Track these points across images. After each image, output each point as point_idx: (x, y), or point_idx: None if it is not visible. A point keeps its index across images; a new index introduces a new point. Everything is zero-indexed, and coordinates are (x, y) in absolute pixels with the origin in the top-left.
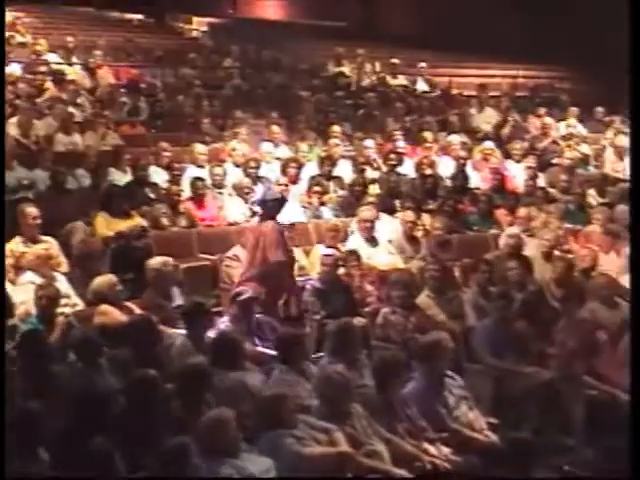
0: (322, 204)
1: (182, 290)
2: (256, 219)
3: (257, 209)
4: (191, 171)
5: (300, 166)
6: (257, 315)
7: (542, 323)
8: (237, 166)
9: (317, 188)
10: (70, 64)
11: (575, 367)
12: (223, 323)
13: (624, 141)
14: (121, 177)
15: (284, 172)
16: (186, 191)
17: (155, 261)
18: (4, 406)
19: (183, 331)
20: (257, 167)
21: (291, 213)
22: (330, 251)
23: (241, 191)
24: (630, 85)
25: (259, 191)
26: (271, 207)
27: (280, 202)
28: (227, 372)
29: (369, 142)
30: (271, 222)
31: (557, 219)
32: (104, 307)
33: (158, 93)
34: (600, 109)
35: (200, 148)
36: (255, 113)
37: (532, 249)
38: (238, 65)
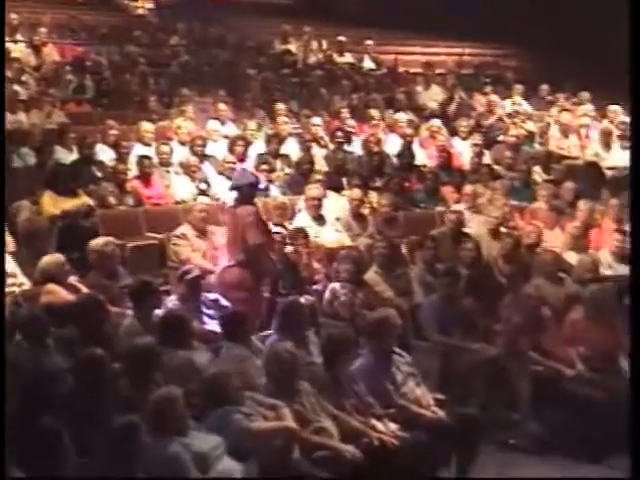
0: (269, 182)
1: (129, 269)
2: (231, 202)
3: (233, 194)
4: (138, 149)
5: (247, 144)
6: (205, 293)
7: (488, 299)
8: (183, 144)
9: (264, 166)
10: (14, 42)
11: (520, 343)
12: (171, 302)
13: (568, 118)
14: (67, 155)
15: (231, 150)
16: (133, 169)
17: (97, 242)
18: (4, 407)
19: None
20: (204, 145)
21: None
22: (277, 229)
23: (188, 169)
24: (630, 84)
25: (234, 176)
26: (246, 191)
27: (255, 185)
28: (175, 351)
29: (316, 120)
30: (249, 206)
31: (503, 196)
32: (51, 286)
33: (104, 71)
34: (545, 87)
35: (146, 126)
36: (201, 91)
37: (479, 226)
38: (184, 43)
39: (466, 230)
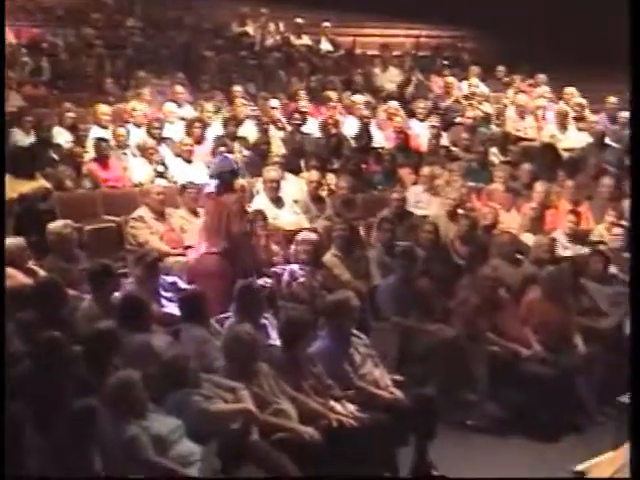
0: None
1: (87, 252)
2: (211, 189)
3: (214, 181)
4: (95, 132)
5: (205, 126)
6: (163, 276)
7: (446, 281)
8: (138, 126)
9: (222, 148)
10: None
11: (478, 324)
12: (129, 285)
13: (524, 100)
14: (24, 138)
15: (188, 132)
16: (90, 152)
17: (55, 225)
18: (4, 406)
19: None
20: (160, 127)
21: (196, 174)
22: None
23: (145, 152)
24: (631, 80)
25: (214, 162)
26: (228, 178)
27: (235, 172)
28: (134, 334)
29: (274, 102)
30: (233, 194)
31: (460, 177)
32: (8, 270)
33: (60, 53)
34: (501, 68)
35: (103, 108)
36: (159, 73)
37: (436, 208)
38: (141, 25)
39: (411, 210)
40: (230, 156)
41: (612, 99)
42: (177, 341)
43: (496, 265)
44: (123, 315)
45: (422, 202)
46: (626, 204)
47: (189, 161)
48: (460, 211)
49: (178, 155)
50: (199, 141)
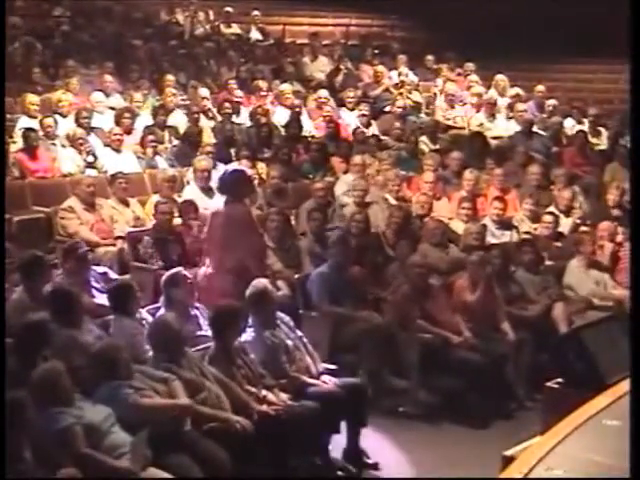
0: (157, 154)
1: (16, 243)
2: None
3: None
4: (23, 122)
5: (134, 116)
6: (93, 267)
7: (377, 269)
8: (64, 116)
9: (151, 137)
10: None
11: (408, 311)
12: (59, 276)
13: (453, 88)
14: None
15: (118, 122)
16: (18, 142)
17: None
18: (4, 407)
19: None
20: (89, 117)
21: (125, 164)
22: (164, 201)
23: (74, 142)
24: (631, 76)
25: (218, 173)
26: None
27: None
28: (63, 325)
29: (203, 91)
30: (239, 205)
31: (390, 166)
32: None
33: None
34: (430, 57)
35: (31, 98)
36: (87, 62)
37: (369, 196)
38: (69, 14)
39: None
40: (241, 167)
41: (540, 87)
42: (107, 332)
43: (426, 253)
44: (53, 307)
45: (354, 191)
46: (565, 193)
47: (118, 151)
48: (391, 200)
49: (107, 145)
50: (128, 131)
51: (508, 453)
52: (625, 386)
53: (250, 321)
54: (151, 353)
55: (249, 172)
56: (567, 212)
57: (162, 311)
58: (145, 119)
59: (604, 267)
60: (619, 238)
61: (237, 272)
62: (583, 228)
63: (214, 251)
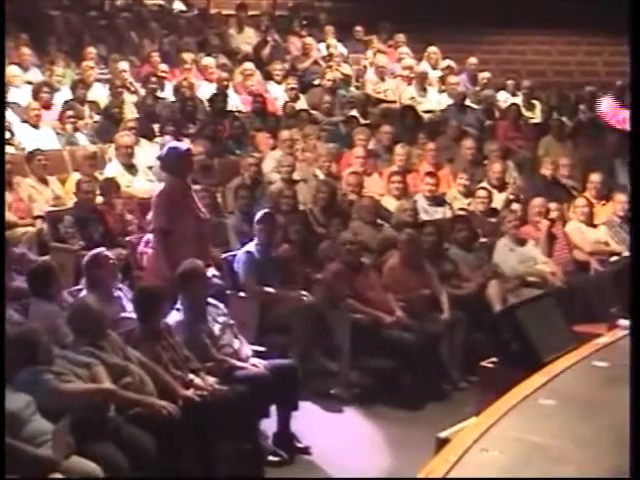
0: (77, 130)
1: None
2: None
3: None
4: None
5: (53, 90)
6: (14, 249)
7: (307, 247)
8: None
9: (71, 113)
10: None
11: (339, 290)
12: None
13: (384, 61)
14: None
15: (35, 97)
16: None
17: None
18: (4, 407)
19: None
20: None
21: (44, 140)
22: (86, 179)
23: None
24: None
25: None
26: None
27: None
28: None
29: (123, 64)
30: (181, 182)
31: (320, 141)
32: None
33: None
34: (359, 28)
35: None
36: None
37: (298, 173)
38: None
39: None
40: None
41: (472, 59)
42: (26, 316)
43: (357, 230)
44: None
45: (282, 167)
46: (495, 166)
47: (36, 127)
48: (321, 176)
49: (25, 121)
50: (47, 106)
51: (442, 435)
52: (560, 365)
53: (178, 302)
54: (72, 337)
55: (187, 148)
56: (501, 187)
57: (83, 293)
58: (64, 94)
59: (535, 243)
60: (553, 214)
61: (180, 253)
62: (514, 205)
63: (158, 230)
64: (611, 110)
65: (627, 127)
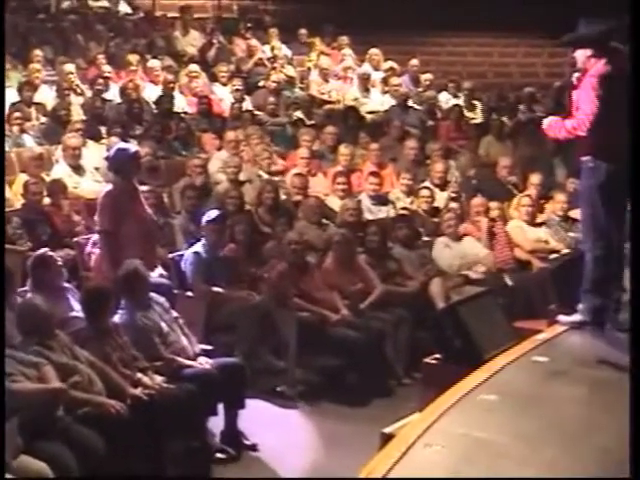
0: (23, 131)
1: None
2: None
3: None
4: None
5: None
6: None
7: (253, 247)
8: None
9: (18, 114)
10: None
11: (285, 289)
12: None
13: (327, 62)
14: None
15: None
16: None
17: None
18: (4, 405)
19: None
20: None
21: None
22: (34, 180)
23: None
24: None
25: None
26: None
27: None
28: None
29: (69, 67)
30: (128, 184)
31: (265, 142)
32: None
33: None
34: (303, 31)
35: None
36: None
37: (244, 173)
38: None
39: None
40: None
41: (414, 61)
42: None
43: (302, 230)
44: None
45: (228, 168)
46: (438, 166)
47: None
48: (266, 176)
49: None
50: None
51: (387, 430)
52: (501, 361)
53: (123, 302)
54: (20, 337)
55: (134, 150)
56: (442, 186)
57: (30, 294)
58: (11, 95)
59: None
60: (493, 213)
61: (126, 253)
62: (452, 204)
63: (103, 231)
64: (551, 127)
65: (571, 136)
